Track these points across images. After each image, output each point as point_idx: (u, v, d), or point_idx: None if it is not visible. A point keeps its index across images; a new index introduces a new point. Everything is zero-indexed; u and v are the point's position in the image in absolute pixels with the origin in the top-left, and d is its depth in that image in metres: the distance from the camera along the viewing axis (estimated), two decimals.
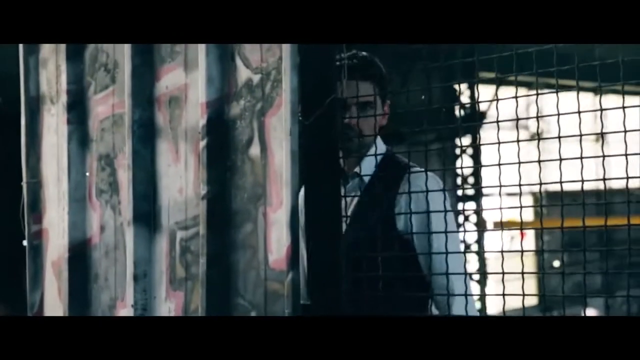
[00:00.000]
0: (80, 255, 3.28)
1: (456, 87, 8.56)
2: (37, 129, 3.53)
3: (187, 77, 2.79)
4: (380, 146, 3.09)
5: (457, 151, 10.11)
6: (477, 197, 10.61)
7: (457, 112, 9.53)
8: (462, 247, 2.96)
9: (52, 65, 3.45)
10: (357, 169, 3.03)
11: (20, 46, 3.52)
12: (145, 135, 2.93)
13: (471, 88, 9.96)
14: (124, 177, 3.01)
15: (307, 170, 4.06)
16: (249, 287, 2.60)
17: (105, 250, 3.19)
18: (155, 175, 2.93)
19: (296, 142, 2.51)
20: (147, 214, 2.94)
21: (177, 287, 2.82)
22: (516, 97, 3.38)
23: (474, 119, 9.33)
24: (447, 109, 8.65)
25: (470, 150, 10.36)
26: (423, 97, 3.93)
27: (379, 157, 2.97)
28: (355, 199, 3.01)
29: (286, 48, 2.49)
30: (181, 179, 2.81)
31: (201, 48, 2.70)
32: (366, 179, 3.01)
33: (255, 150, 2.59)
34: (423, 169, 2.88)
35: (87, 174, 3.27)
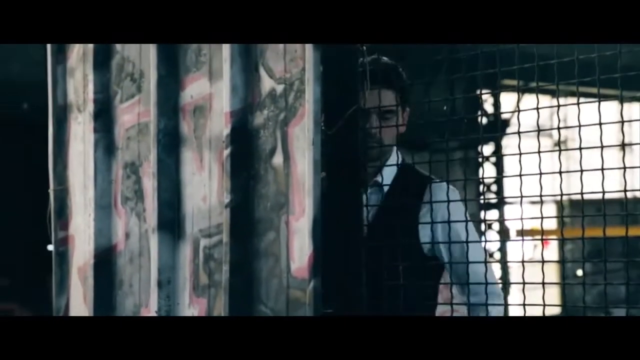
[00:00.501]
0: (105, 261, 3.33)
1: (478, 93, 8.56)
2: (64, 137, 3.58)
3: (211, 86, 2.83)
4: (398, 156, 3.11)
5: (480, 159, 10.09)
6: (500, 205, 10.57)
7: (479, 121, 9.50)
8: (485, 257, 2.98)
9: (79, 74, 3.50)
10: (377, 178, 3.04)
11: (49, 55, 3.58)
12: (170, 144, 2.97)
13: (494, 96, 9.94)
14: (149, 185, 3.05)
15: (329, 179, 4.11)
16: (271, 295, 2.62)
17: (130, 256, 3.23)
18: (179, 184, 2.97)
19: (319, 151, 2.54)
20: (171, 221, 2.97)
21: (201, 293, 2.85)
22: (537, 108, 3.40)
23: (497, 127, 9.31)
24: (469, 114, 8.65)
25: (493, 158, 10.33)
26: (445, 107, 3.96)
27: (398, 168, 3.00)
28: (374, 209, 3.01)
29: (309, 59, 2.52)
30: (205, 187, 2.85)
31: (225, 58, 2.73)
32: (386, 188, 3.03)
33: (278, 159, 2.62)
34: (444, 181, 2.93)
35: (113, 181, 3.31)
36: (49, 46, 3.56)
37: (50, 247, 6.99)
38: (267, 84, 2.67)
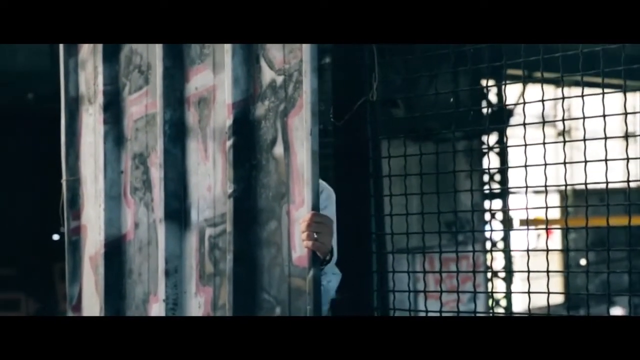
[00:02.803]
0: (115, 250, 3.37)
1: (483, 84, 8.55)
2: (76, 129, 3.62)
3: (215, 78, 2.86)
4: None
5: (484, 149, 10.09)
6: (504, 195, 10.57)
7: (484, 111, 9.52)
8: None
9: (90, 66, 3.54)
10: None
11: (61, 47, 3.62)
12: (176, 135, 3.01)
13: (498, 86, 9.92)
14: (156, 175, 3.09)
15: (337, 170, 4.13)
16: (273, 283, 2.65)
17: (139, 246, 3.28)
18: (185, 174, 3.00)
19: (316, 142, 2.53)
20: (177, 211, 3.01)
21: (206, 282, 2.89)
22: (542, 101, 3.41)
23: (501, 117, 9.32)
24: (475, 105, 8.64)
25: (497, 148, 10.32)
26: (452, 100, 3.99)
27: None
28: None
29: (306, 50, 2.53)
30: (210, 178, 2.88)
31: (227, 50, 2.76)
32: None
33: (279, 149, 2.64)
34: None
35: (123, 172, 3.35)
36: None
37: (56, 237, 7.07)
38: (267, 75, 2.69)
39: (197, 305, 2.94)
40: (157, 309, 3.09)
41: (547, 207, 3.50)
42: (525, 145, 3.43)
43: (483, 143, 10.09)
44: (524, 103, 3.60)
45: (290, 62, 2.59)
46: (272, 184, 2.67)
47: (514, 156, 10.69)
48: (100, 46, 3.40)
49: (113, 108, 3.37)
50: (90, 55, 3.54)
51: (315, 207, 2.52)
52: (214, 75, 2.85)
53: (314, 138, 2.52)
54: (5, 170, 7.01)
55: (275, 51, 2.66)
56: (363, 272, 3.98)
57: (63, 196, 3.68)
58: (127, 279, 3.35)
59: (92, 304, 3.56)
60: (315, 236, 2.52)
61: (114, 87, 3.36)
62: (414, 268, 4.12)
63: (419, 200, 3.86)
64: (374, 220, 4.10)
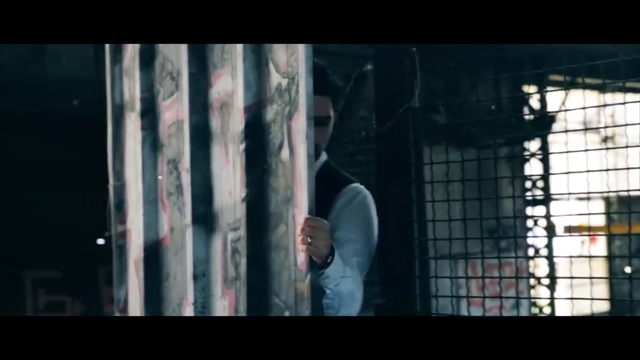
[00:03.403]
0: (154, 254, 3.41)
1: (525, 90, 8.48)
2: (121, 135, 3.68)
3: (232, 82, 2.87)
4: (322, 156, 3.03)
5: (526, 156, 9.97)
6: (547, 201, 10.44)
7: (526, 117, 9.43)
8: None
9: (131, 74, 3.59)
10: None
11: (107, 55, 3.68)
12: (201, 140, 3.03)
13: (540, 92, 9.80)
14: (185, 180, 3.12)
15: (379, 176, 4.14)
16: (283, 287, 2.65)
17: (175, 250, 3.30)
18: (210, 178, 3.02)
19: (312, 145, 2.52)
20: (204, 215, 3.03)
21: (229, 286, 2.90)
22: (584, 108, 3.38)
23: (543, 123, 9.24)
24: (516, 111, 8.56)
25: (539, 153, 10.19)
26: (493, 107, 4.01)
27: (317, 169, 2.88)
28: None
29: (301, 52, 2.52)
30: (230, 182, 2.89)
31: (239, 54, 2.78)
32: None
33: (285, 153, 2.63)
34: (356, 182, 2.93)
35: (159, 177, 3.38)
36: (106, 46, 3.65)
37: (101, 241, 7.17)
38: (275, 78, 2.69)
39: (222, 308, 2.96)
40: (188, 313, 3.11)
41: (589, 214, 3.48)
42: (568, 152, 3.41)
43: (525, 149, 10.01)
44: (566, 110, 3.58)
45: (292, 64, 2.58)
46: (280, 188, 2.67)
47: (557, 162, 10.58)
48: (138, 53, 3.44)
49: (150, 114, 3.41)
50: (132, 63, 3.59)
51: (311, 211, 2.51)
52: (232, 79, 2.87)
53: (310, 141, 2.51)
54: (51, 175, 7.13)
55: (280, 53, 2.65)
56: (406, 277, 3.99)
57: (109, 201, 3.73)
58: (165, 283, 3.38)
59: (136, 307, 3.61)
60: (309, 240, 2.51)
61: (150, 94, 3.41)
62: (456, 274, 4.11)
63: (462, 206, 3.86)
64: (417, 225, 4.11)
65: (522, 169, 9.46)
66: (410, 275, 3.94)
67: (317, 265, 2.55)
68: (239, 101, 2.79)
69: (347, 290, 2.66)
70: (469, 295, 3.84)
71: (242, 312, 2.80)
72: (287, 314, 2.62)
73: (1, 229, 6.94)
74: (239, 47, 2.78)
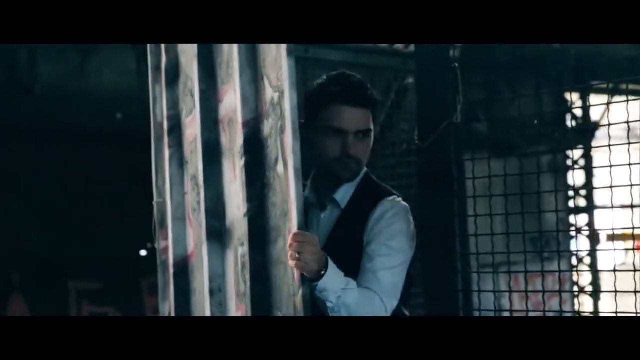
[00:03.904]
0: (183, 270, 3.43)
1: (568, 97, 8.37)
2: (162, 152, 3.65)
3: (236, 98, 2.88)
4: (363, 174, 3.00)
5: (569, 162, 9.80)
6: (590, 210, 10.25)
7: (568, 124, 9.30)
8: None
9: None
10: (335, 195, 2.92)
11: (149, 73, 3.67)
12: (214, 156, 3.05)
13: (583, 98, 9.62)
14: (201, 196, 3.13)
15: (422, 189, 4.13)
16: (283, 301, 2.66)
17: (199, 265, 3.28)
18: (223, 194, 3.04)
19: (299, 160, 2.53)
20: (218, 230, 3.05)
21: (242, 300, 2.91)
22: (628, 122, 3.32)
23: (586, 130, 9.12)
24: (558, 120, 8.47)
25: (582, 162, 10.02)
26: (535, 121, 3.97)
27: (356, 182, 2.93)
28: (330, 226, 2.92)
29: (284, 65, 2.53)
30: (238, 196, 2.90)
31: (235, 69, 2.80)
32: (342, 204, 2.92)
33: (280, 167, 2.64)
34: (396, 195, 2.88)
35: (186, 193, 3.39)
36: (149, 64, 3.67)
37: (143, 253, 7.24)
38: (269, 92, 2.70)
39: None
40: None
41: (633, 227, 3.45)
42: (611, 166, 3.38)
43: (568, 157, 9.88)
44: (609, 125, 3.54)
45: (281, 77, 2.59)
46: (278, 202, 2.67)
47: (600, 171, 10.42)
48: (163, 73, 3.48)
49: (176, 132, 3.44)
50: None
51: (301, 225, 2.53)
52: (235, 95, 2.89)
53: (296, 156, 2.52)
54: (94, 188, 7.23)
55: (270, 67, 2.66)
56: (449, 290, 3.98)
57: (154, 217, 3.76)
58: (192, 298, 3.40)
59: None
60: (297, 256, 2.52)
61: (175, 112, 3.44)
62: (498, 284, 4.10)
63: (504, 217, 3.85)
64: (459, 239, 4.11)
65: (565, 178, 9.33)
66: (454, 289, 3.95)
67: (310, 279, 2.55)
68: (238, 116, 2.81)
69: (353, 302, 2.64)
70: (512, 307, 3.82)
71: None
72: None
73: (48, 241, 7.05)
74: (236, 62, 2.80)
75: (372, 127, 2.88)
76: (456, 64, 3.64)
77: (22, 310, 7.04)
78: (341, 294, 2.62)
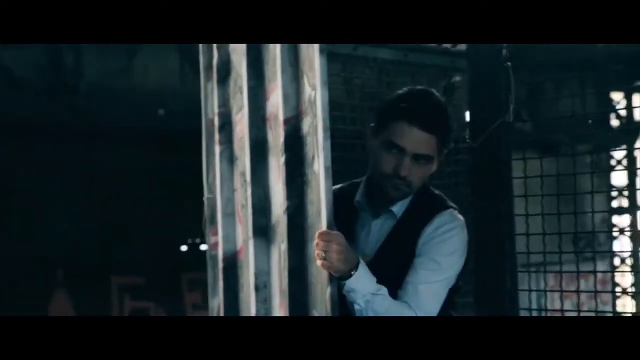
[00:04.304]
0: (231, 266, 3.43)
1: (612, 96, 8.32)
2: (213, 149, 3.63)
3: (278, 95, 2.91)
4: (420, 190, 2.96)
5: (612, 162, 9.72)
6: (633, 210, 10.17)
7: (612, 123, 9.22)
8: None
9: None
10: (392, 208, 2.91)
11: (201, 71, 3.67)
12: (260, 153, 3.08)
13: (627, 97, 9.52)
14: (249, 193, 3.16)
15: (473, 190, 4.14)
16: (317, 301, 2.68)
17: (247, 261, 3.29)
18: (269, 191, 3.06)
19: (329, 158, 2.55)
20: (264, 227, 3.07)
21: (284, 297, 2.93)
22: None
23: (630, 130, 9.04)
24: (602, 119, 8.41)
25: (625, 162, 9.92)
26: (590, 121, 3.95)
27: (414, 193, 2.89)
28: (384, 237, 2.90)
29: (316, 63, 2.55)
30: (281, 194, 2.92)
31: (278, 67, 2.83)
32: (398, 215, 2.90)
33: (316, 165, 2.65)
34: (453, 208, 2.85)
35: (235, 190, 3.40)
36: (201, 62, 3.69)
37: (184, 248, 7.34)
38: (307, 90, 2.72)
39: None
40: None
41: None
42: None
43: (611, 157, 9.81)
44: None
45: (315, 76, 2.61)
46: (315, 200, 2.69)
47: None
48: (215, 71, 3.51)
49: (226, 129, 3.46)
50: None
51: (330, 224, 2.55)
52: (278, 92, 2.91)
53: (326, 154, 2.55)
54: (136, 184, 7.30)
55: (307, 65, 2.68)
56: (498, 289, 4.00)
57: (204, 213, 3.79)
58: (240, 293, 3.41)
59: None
60: (323, 255, 2.53)
61: (226, 109, 3.46)
62: (537, 283, 4.11)
63: (547, 215, 3.85)
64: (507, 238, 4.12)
65: (608, 177, 9.28)
66: (502, 288, 3.97)
67: (338, 278, 2.57)
68: (280, 114, 2.85)
69: (381, 310, 2.63)
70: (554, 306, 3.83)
71: None
72: None
73: (91, 237, 7.13)
74: (279, 61, 2.83)
75: (434, 154, 2.80)
76: (509, 63, 3.64)
77: (65, 305, 7.13)
78: (370, 298, 2.62)
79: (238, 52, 3.30)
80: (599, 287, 4.17)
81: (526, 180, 3.92)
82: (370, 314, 2.62)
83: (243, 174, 3.27)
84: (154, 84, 6.91)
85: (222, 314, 3.45)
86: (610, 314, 5.91)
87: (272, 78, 2.99)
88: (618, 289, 9.51)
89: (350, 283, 2.59)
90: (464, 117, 4.39)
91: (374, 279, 2.64)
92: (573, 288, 4.01)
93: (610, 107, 8.43)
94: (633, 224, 10.16)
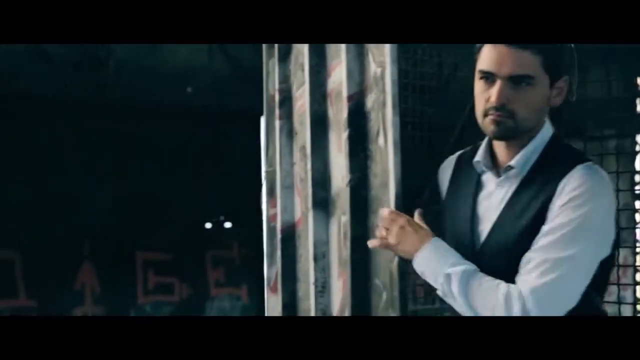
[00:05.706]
0: (289, 236, 3.54)
1: (638, 81, 8.35)
2: (273, 123, 3.71)
3: (342, 72, 3.00)
4: (547, 130, 2.44)
5: (637, 148, 9.77)
6: None
7: (638, 109, 9.26)
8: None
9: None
10: (511, 162, 2.40)
11: (264, 49, 3.73)
12: (321, 127, 3.18)
13: None
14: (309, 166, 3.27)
15: None
16: (381, 268, 2.78)
17: (306, 232, 3.40)
18: (329, 165, 3.17)
19: (397, 132, 2.62)
20: (324, 199, 3.18)
21: (344, 267, 3.03)
22: None
23: None
24: (628, 104, 8.44)
25: None
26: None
27: (541, 147, 2.39)
28: (504, 200, 2.41)
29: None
30: (342, 168, 3.02)
31: (342, 45, 2.93)
32: (522, 173, 2.39)
33: (381, 140, 2.75)
34: (590, 162, 2.34)
35: (295, 163, 3.52)
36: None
37: (208, 225, 7.41)
38: (372, 67, 2.80)
39: (337, 289, 3.11)
40: (311, 292, 3.27)
41: None
42: None
43: (636, 142, 9.87)
44: None
45: (383, 53, 2.69)
46: (379, 173, 2.79)
47: None
48: (276, 48, 3.60)
49: (286, 104, 3.57)
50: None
51: (398, 196, 2.63)
52: (342, 69, 3.00)
53: (395, 129, 2.62)
54: (163, 161, 7.36)
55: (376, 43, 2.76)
56: None
57: (263, 185, 3.86)
58: (298, 264, 3.52)
59: (280, 287, 3.70)
60: (384, 233, 2.52)
61: (287, 85, 3.56)
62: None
63: None
64: None
65: (631, 162, 9.34)
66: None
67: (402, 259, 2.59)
68: (344, 90, 2.94)
69: (458, 291, 2.29)
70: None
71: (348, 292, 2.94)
72: (384, 295, 2.75)
73: (118, 213, 7.21)
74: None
75: (537, 75, 2.30)
76: (572, 44, 3.66)
77: (91, 278, 7.22)
78: (443, 280, 2.31)
79: None
80: (620, 273, 4.20)
81: None
82: (448, 297, 2.31)
83: (303, 148, 3.38)
84: (182, 61, 6.97)
85: (279, 283, 3.58)
86: (630, 304, 5.94)
87: (334, 56, 3.09)
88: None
89: (415, 265, 2.39)
90: None
91: (449, 258, 2.32)
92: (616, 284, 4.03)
93: (635, 92, 8.45)
94: None
